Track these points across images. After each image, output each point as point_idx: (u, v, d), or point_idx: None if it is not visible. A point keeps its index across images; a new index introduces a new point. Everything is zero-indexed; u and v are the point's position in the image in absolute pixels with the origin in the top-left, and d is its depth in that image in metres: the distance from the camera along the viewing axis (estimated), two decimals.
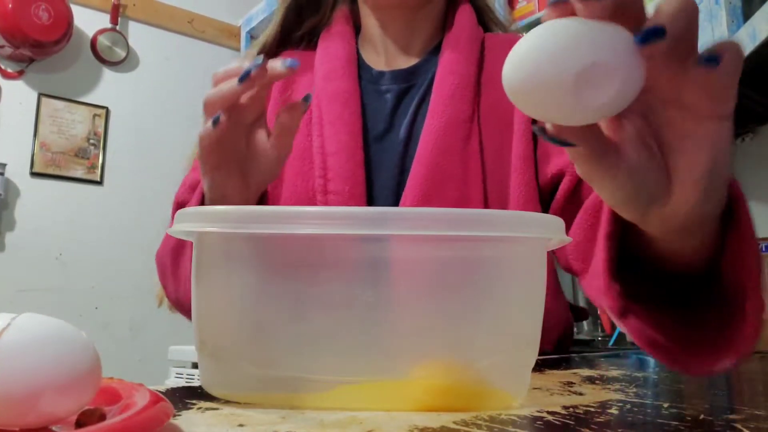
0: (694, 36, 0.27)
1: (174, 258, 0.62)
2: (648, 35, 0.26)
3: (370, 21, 0.75)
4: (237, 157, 0.50)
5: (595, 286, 0.40)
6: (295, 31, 0.77)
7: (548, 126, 0.29)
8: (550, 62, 0.25)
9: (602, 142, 0.29)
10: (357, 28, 0.77)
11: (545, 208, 0.66)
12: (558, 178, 0.64)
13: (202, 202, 0.56)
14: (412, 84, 0.71)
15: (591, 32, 0.25)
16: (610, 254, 0.37)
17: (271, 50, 0.76)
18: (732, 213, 0.34)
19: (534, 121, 0.28)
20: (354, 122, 0.67)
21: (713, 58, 0.26)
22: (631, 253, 0.39)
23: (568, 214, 0.57)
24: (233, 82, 0.46)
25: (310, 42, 0.77)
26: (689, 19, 0.26)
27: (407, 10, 0.71)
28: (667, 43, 0.26)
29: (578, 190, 0.62)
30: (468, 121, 0.65)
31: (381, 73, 0.72)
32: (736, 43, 0.27)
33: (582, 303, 1.51)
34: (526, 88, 0.26)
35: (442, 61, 0.69)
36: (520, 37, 0.27)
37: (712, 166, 0.29)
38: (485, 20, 0.77)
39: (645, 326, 0.37)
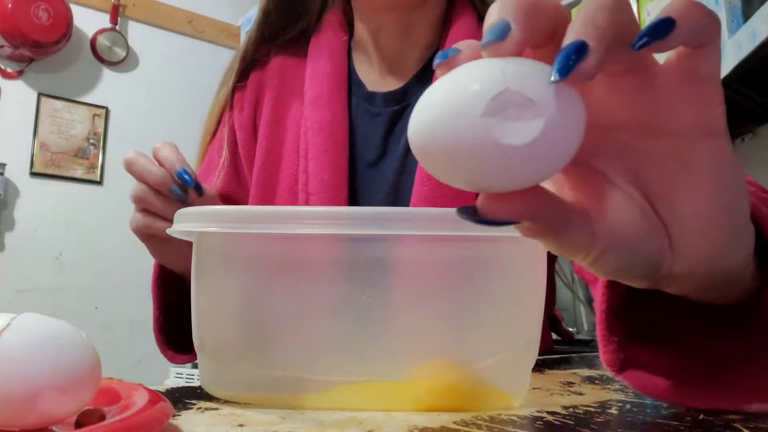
0: (633, 27, 0.21)
1: (154, 289, 0.62)
2: (565, 62, 0.19)
3: (361, 27, 0.70)
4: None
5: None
6: (280, 35, 0.73)
7: (478, 201, 0.21)
8: (456, 102, 0.20)
9: (561, 211, 0.22)
10: (352, 29, 0.73)
11: None
12: None
13: (159, 267, 0.61)
14: (405, 105, 0.67)
15: (500, 63, 0.20)
16: (609, 304, 0.31)
17: (254, 56, 0.73)
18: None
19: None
20: (339, 156, 0.64)
21: (660, 25, 0.20)
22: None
23: None
24: (145, 189, 0.53)
25: (305, 42, 0.72)
26: (617, 16, 0.20)
27: (404, 10, 0.67)
28: (596, 60, 0.19)
29: None
30: None
31: (373, 94, 0.68)
32: (696, 2, 0.21)
33: (582, 298, 1.52)
34: (436, 142, 0.20)
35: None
36: None
37: (720, 203, 0.23)
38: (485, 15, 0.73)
39: (648, 375, 0.31)
